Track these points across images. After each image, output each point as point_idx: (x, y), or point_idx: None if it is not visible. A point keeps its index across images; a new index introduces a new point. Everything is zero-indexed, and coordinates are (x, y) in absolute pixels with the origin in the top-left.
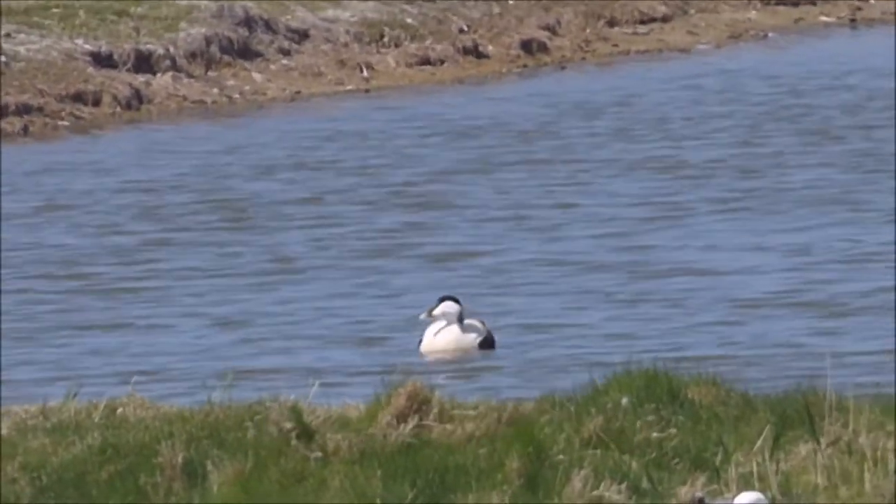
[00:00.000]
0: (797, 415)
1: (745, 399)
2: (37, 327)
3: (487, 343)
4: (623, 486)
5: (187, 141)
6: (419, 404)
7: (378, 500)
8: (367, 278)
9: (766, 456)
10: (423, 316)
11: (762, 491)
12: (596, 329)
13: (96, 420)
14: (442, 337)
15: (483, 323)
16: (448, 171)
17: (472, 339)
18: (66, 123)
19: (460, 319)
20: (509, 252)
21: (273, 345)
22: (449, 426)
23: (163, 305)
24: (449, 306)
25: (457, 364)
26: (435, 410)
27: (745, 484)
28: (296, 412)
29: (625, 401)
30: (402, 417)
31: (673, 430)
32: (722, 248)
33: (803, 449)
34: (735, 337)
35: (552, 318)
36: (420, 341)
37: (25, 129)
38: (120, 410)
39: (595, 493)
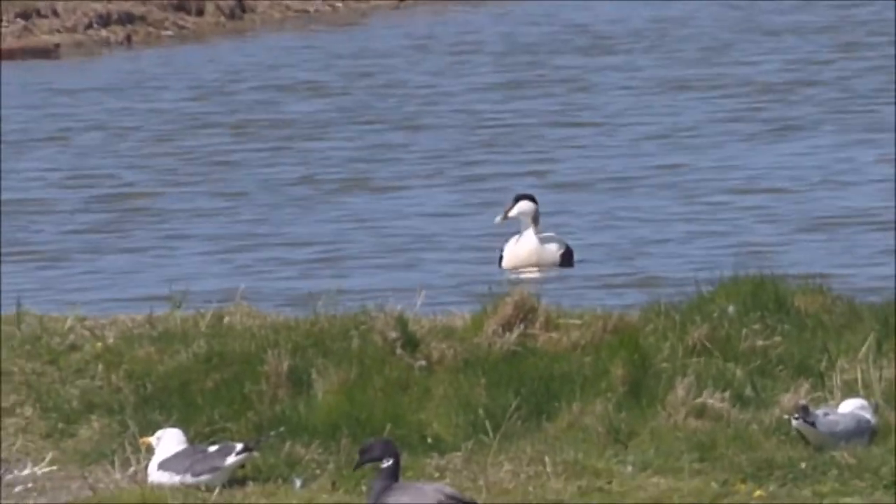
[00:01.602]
0: None
1: (851, 307)
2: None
3: (567, 258)
4: (727, 393)
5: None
6: (525, 313)
7: (482, 409)
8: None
9: (871, 363)
10: (498, 219)
11: (866, 398)
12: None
13: (202, 329)
14: (522, 249)
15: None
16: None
17: (554, 250)
18: (169, 33)
19: (535, 220)
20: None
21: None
22: (554, 335)
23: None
24: (525, 206)
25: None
26: (541, 319)
27: (850, 391)
28: (401, 322)
29: (731, 309)
30: (507, 326)
31: (778, 338)
32: None
33: None
34: None
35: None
36: (500, 257)
37: (129, 39)
38: (226, 319)
39: (698, 400)
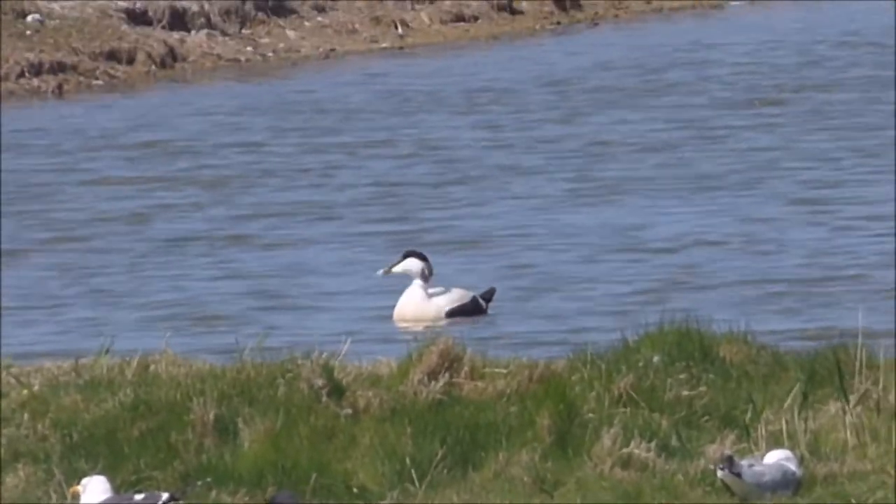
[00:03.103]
0: (827, 372)
1: (776, 357)
2: None
3: (468, 310)
4: (653, 443)
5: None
6: (450, 362)
7: (408, 458)
8: None
9: (796, 414)
10: (380, 272)
11: (791, 449)
12: None
13: (129, 377)
14: (406, 304)
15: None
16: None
17: (440, 305)
18: (100, 82)
19: (425, 277)
20: None
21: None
22: (480, 383)
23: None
24: (411, 263)
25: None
26: (466, 368)
27: (775, 442)
28: (327, 370)
29: (656, 359)
30: (433, 375)
31: (703, 388)
32: None
33: (833, 407)
34: None
35: None
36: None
37: (60, 88)
38: (152, 367)
39: (625, 450)
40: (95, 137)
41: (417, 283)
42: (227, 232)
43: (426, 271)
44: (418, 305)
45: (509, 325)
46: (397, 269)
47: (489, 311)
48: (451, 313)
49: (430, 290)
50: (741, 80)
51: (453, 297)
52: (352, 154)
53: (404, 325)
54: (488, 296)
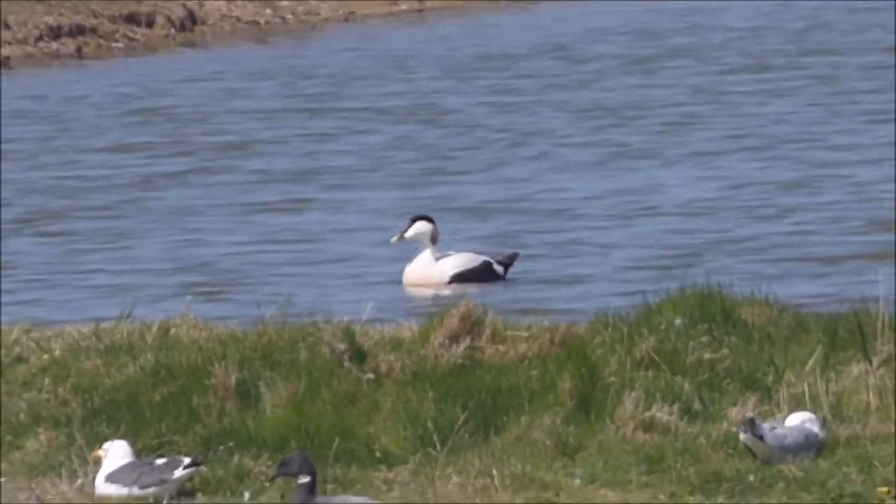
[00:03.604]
0: (849, 335)
1: (798, 319)
2: None
3: (477, 274)
4: (675, 406)
5: None
6: (472, 325)
7: (430, 422)
8: None
9: (818, 376)
10: (394, 240)
11: (813, 411)
12: None
13: (149, 341)
14: (413, 269)
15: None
16: None
17: (445, 270)
18: (119, 45)
19: (433, 240)
20: None
21: None
22: (501, 347)
23: None
24: (420, 226)
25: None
26: (487, 331)
27: (797, 404)
28: (349, 333)
29: (678, 321)
30: (454, 338)
31: (725, 351)
32: None
33: (855, 369)
34: None
35: None
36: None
37: (79, 51)
38: (173, 331)
39: (647, 413)
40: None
41: (428, 246)
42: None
43: (434, 235)
44: (423, 269)
45: (529, 291)
46: (408, 234)
47: (508, 277)
48: (456, 278)
49: (443, 254)
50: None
51: (459, 262)
52: (361, 119)
53: (412, 289)
54: (509, 261)
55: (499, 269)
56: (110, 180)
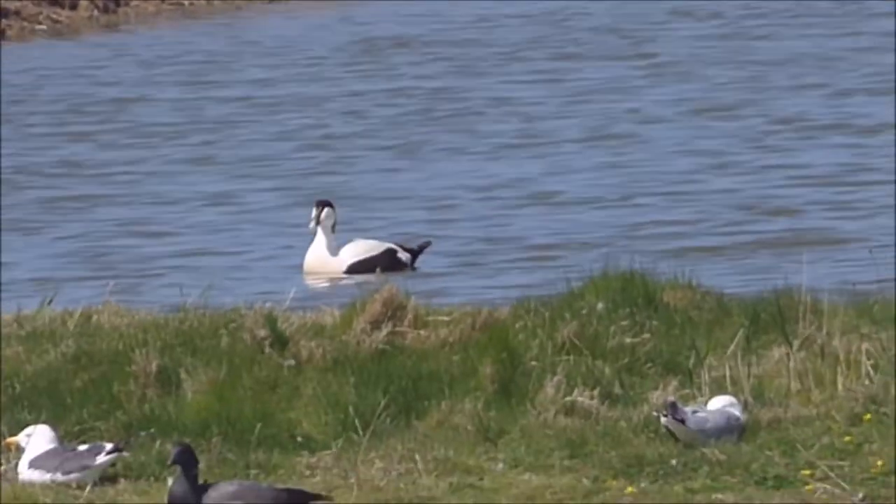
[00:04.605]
0: (771, 318)
1: (720, 303)
2: None
3: (377, 263)
4: (596, 391)
5: None
6: (394, 310)
7: (351, 407)
8: None
9: (740, 359)
10: (312, 225)
11: (735, 394)
12: None
13: (71, 328)
14: (310, 257)
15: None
16: None
17: (341, 260)
18: (43, 27)
19: (333, 227)
20: None
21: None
22: (423, 332)
23: None
24: (329, 212)
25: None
26: (409, 316)
27: (718, 388)
28: (270, 320)
29: (600, 305)
30: (376, 324)
31: (647, 335)
32: None
33: (776, 352)
34: None
35: None
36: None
37: (2, 33)
38: (95, 318)
39: (568, 398)
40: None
41: (321, 234)
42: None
43: (335, 221)
44: (321, 258)
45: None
46: (323, 219)
47: (417, 266)
48: (355, 266)
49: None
50: None
51: (359, 250)
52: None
53: (312, 277)
54: (419, 249)
55: (404, 257)
56: None
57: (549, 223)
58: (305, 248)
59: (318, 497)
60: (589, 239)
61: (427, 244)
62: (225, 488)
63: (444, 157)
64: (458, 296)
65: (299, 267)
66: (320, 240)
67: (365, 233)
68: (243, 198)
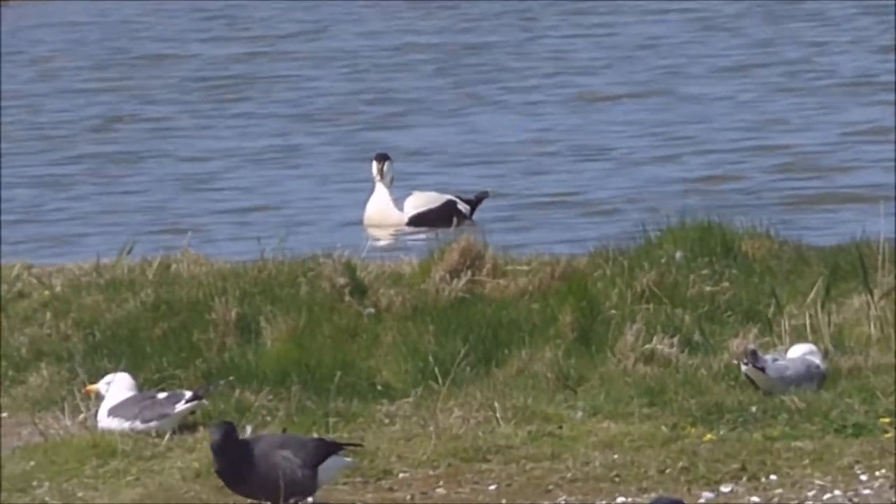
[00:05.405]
0: (850, 267)
1: (799, 251)
2: None
3: (438, 214)
4: (675, 339)
5: None
6: (472, 259)
7: (431, 356)
8: None
9: (819, 308)
10: (377, 178)
11: (815, 343)
12: None
13: (150, 277)
14: (370, 209)
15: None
16: None
17: (399, 214)
18: None
19: (392, 179)
20: None
21: None
22: (502, 281)
23: None
24: (389, 165)
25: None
26: (488, 266)
27: (798, 336)
28: (349, 268)
29: (678, 254)
30: (454, 273)
31: (726, 284)
32: None
33: (856, 301)
34: None
35: None
36: None
37: None
38: (174, 267)
39: (647, 346)
40: None
41: (381, 187)
42: None
43: (390, 173)
44: (382, 210)
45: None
46: (385, 172)
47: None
48: (416, 218)
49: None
50: None
51: (420, 202)
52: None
53: (373, 230)
54: (477, 200)
55: (464, 208)
56: None
57: (610, 181)
58: (359, 203)
59: (350, 444)
60: (674, 190)
61: (485, 194)
62: (269, 439)
63: (493, 111)
64: (527, 248)
65: (357, 221)
66: (381, 192)
67: (419, 187)
68: (297, 152)
